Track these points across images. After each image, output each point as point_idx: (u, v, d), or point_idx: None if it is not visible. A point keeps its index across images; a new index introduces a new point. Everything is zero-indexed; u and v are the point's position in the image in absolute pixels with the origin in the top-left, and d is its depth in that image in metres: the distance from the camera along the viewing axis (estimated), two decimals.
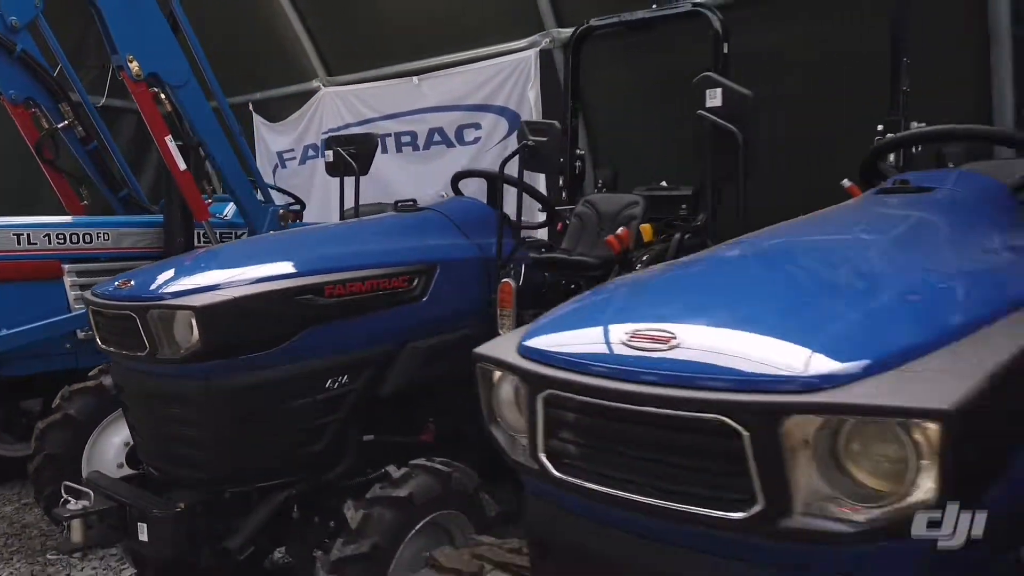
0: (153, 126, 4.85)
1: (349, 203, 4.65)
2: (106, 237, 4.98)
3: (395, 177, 8.07)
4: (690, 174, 4.71)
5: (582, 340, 1.52)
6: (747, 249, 1.89)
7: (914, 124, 3.74)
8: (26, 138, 5.59)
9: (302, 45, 8.70)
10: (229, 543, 2.93)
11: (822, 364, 1.22)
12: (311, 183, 8.83)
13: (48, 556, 4.10)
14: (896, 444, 1.14)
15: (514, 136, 6.17)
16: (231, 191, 5.35)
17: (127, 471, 3.62)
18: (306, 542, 3.16)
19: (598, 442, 1.40)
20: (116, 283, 3.08)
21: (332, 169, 4.64)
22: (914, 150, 3.75)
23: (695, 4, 4.94)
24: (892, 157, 3.67)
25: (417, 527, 2.86)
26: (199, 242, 5.18)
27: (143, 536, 2.89)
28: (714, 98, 2.94)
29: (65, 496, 3.04)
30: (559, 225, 4.84)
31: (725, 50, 4.56)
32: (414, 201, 3.99)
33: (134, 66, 4.66)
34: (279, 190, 7.36)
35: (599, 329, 1.50)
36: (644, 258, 3.94)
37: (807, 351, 1.25)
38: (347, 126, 8.39)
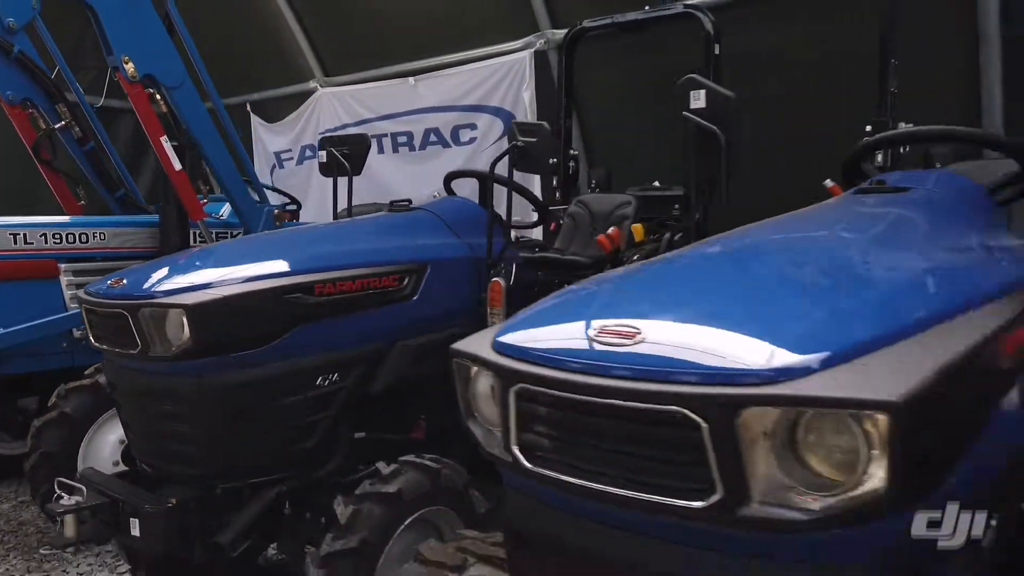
0: (149, 127, 4.90)
1: (344, 203, 4.69)
2: (102, 237, 5.01)
3: (391, 177, 8.12)
4: (682, 174, 4.74)
5: (553, 336, 1.56)
6: (719, 247, 1.93)
7: (902, 125, 3.77)
8: (23, 139, 5.62)
9: (299, 46, 8.75)
10: (221, 538, 2.96)
11: (780, 358, 1.25)
12: (308, 183, 8.88)
13: (42, 551, 4.14)
14: (848, 435, 1.18)
15: None
16: (226, 191, 5.40)
17: (122, 469, 3.65)
18: (297, 538, 3.19)
19: (567, 434, 1.44)
20: (109, 282, 3.11)
21: (325, 169, 4.67)
22: (902, 151, 3.79)
23: (687, 6, 4.97)
24: (880, 157, 3.71)
25: (406, 523, 2.89)
26: (195, 242, 5.22)
27: (135, 531, 2.92)
28: (698, 99, 2.97)
29: (58, 492, 3.07)
30: (552, 225, 4.87)
31: (717, 51, 4.59)
32: (409, 201, 4.02)
33: (130, 67, 4.71)
34: (276, 190, 7.40)
35: (569, 325, 1.55)
36: (635, 258, 3.97)
37: (766, 345, 1.28)
38: (344, 126, 8.43)
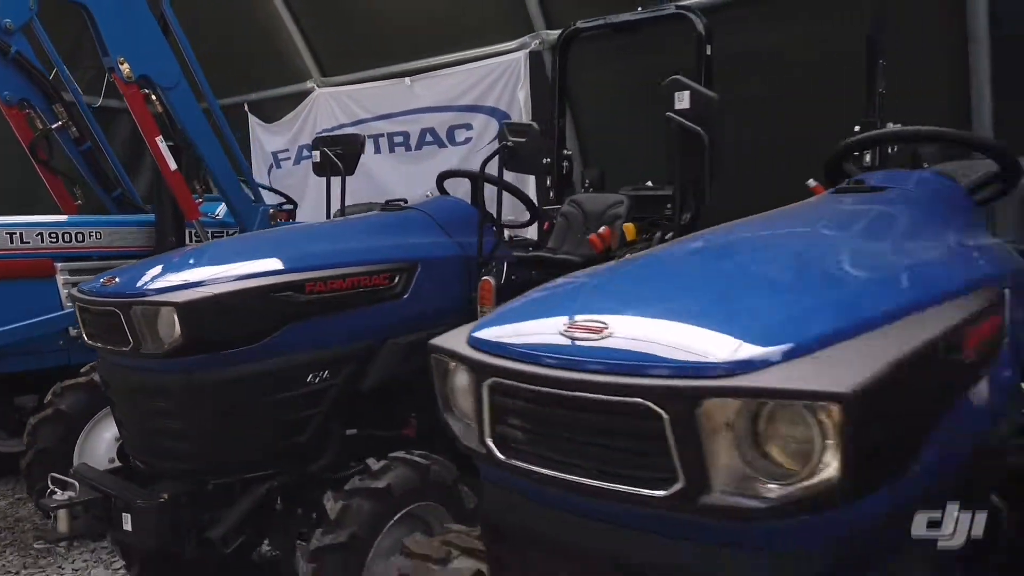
0: (144, 127, 4.95)
1: (338, 203, 4.72)
2: (98, 236, 5.07)
3: (387, 177, 8.17)
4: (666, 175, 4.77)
5: (525, 331, 1.59)
6: (692, 245, 1.97)
7: (890, 125, 3.81)
8: (20, 139, 5.68)
9: (296, 46, 8.80)
10: (212, 533, 3.00)
11: (742, 351, 1.29)
12: (306, 183, 8.91)
13: (36, 546, 4.18)
14: (804, 426, 1.21)
15: None
16: (221, 191, 5.44)
17: (117, 466, 3.69)
18: (289, 533, 3.23)
19: (538, 427, 1.47)
20: (101, 280, 3.14)
21: (319, 169, 4.71)
22: (890, 151, 3.83)
23: (679, 7, 5.00)
24: (868, 158, 3.74)
25: (395, 518, 2.93)
26: (190, 241, 5.27)
27: (127, 526, 2.96)
28: (682, 100, 3.00)
29: (52, 487, 3.11)
30: (546, 224, 4.90)
31: (708, 52, 4.62)
32: (405, 201, 4.05)
33: (125, 68, 4.76)
34: (272, 190, 7.45)
35: (541, 321, 1.58)
36: (626, 256, 4.00)
37: (728, 339, 1.32)
38: (341, 126, 8.48)
